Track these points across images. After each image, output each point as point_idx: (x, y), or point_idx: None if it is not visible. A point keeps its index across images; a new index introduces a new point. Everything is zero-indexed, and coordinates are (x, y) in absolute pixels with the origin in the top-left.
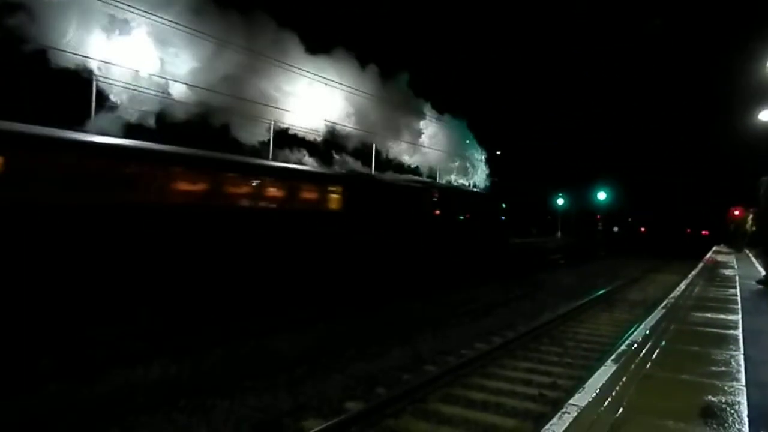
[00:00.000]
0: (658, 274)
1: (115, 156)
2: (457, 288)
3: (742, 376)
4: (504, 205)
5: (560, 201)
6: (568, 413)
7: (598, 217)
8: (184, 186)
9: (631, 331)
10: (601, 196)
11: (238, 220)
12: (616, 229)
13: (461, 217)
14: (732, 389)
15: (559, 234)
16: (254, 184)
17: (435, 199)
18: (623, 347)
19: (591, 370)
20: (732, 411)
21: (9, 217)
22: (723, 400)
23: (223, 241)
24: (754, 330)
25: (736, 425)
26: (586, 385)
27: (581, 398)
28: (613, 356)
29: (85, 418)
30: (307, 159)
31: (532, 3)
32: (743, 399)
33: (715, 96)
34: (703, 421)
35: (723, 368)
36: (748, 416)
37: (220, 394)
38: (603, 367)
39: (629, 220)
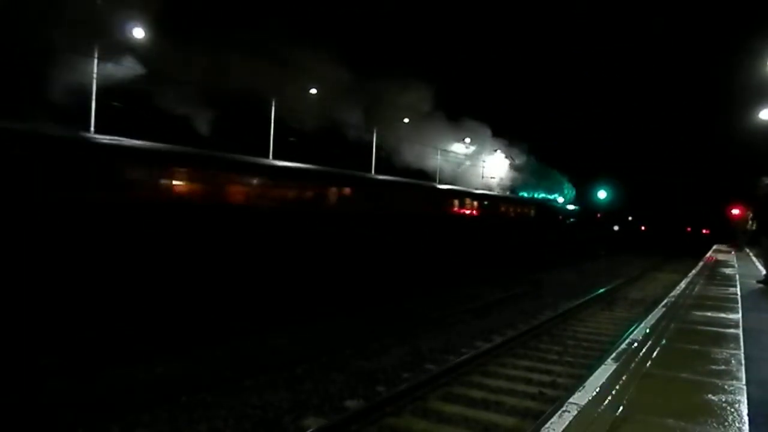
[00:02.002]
0: (658, 272)
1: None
2: (457, 286)
3: (743, 375)
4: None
5: (560, 199)
6: (568, 412)
7: (599, 215)
8: (490, 209)
9: (631, 330)
10: (602, 194)
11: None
12: (616, 227)
13: (566, 223)
14: (732, 388)
15: None
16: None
17: (557, 209)
18: (623, 346)
19: (591, 369)
20: (732, 409)
21: None
22: (723, 399)
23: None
24: (754, 329)
25: (736, 423)
26: (586, 384)
27: (581, 397)
28: (614, 355)
29: (85, 417)
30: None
31: (533, 2)
32: (743, 397)
33: (715, 95)
34: (703, 420)
35: (723, 367)
36: (748, 414)
37: (220, 392)
38: (603, 366)
39: (629, 218)
